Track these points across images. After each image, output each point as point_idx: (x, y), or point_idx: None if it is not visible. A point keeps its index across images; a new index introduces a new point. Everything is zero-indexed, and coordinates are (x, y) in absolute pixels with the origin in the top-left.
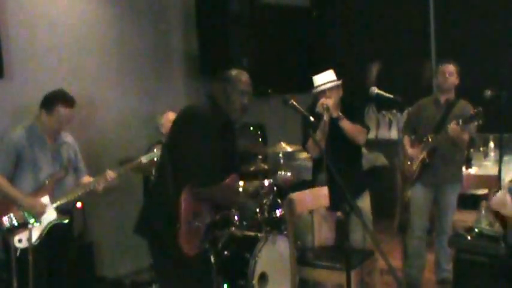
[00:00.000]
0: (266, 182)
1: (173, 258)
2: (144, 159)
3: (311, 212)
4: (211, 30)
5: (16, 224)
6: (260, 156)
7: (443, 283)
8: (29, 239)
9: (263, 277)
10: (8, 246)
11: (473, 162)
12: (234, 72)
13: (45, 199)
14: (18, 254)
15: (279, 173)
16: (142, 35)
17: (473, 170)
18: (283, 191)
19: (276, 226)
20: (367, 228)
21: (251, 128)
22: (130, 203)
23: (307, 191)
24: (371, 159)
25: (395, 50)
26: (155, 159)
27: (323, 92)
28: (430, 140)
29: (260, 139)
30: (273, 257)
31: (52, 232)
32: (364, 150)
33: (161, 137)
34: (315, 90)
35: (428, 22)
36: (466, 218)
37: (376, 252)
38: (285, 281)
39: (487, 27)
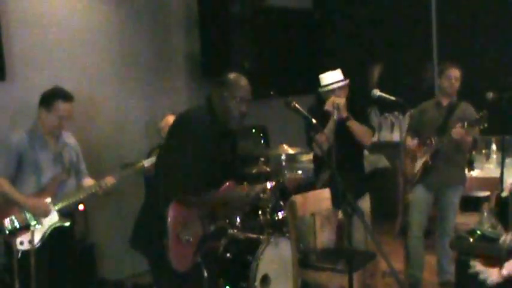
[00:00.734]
0: (268, 185)
1: (165, 273)
2: (146, 163)
3: (313, 214)
4: (214, 32)
5: (18, 226)
6: (262, 159)
7: (445, 285)
8: (31, 241)
9: (265, 279)
10: (10, 249)
11: (475, 164)
12: (232, 76)
13: (47, 201)
14: (20, 256)
15: (288, 172)
16: (144, 37)
17: (475, 172)
18: (285, 193)
19: (278, 228)
20: (369, 230)
21: (253, 130)
22: (132, 206)
23: (309, 194)
24: (373, 161)
25: (397, 52)
26: None
27: (332, 91)
28: (433, 142)
29: (262, 141)
30: (275, 260)
31: (54, 234)
32: (366, 152)
33: (162, 140)
34: (322, 89)
35: (430, 24)
36: (468, 220)
37: (378, 254)
38: (287, 284)
39: (488, 29)
